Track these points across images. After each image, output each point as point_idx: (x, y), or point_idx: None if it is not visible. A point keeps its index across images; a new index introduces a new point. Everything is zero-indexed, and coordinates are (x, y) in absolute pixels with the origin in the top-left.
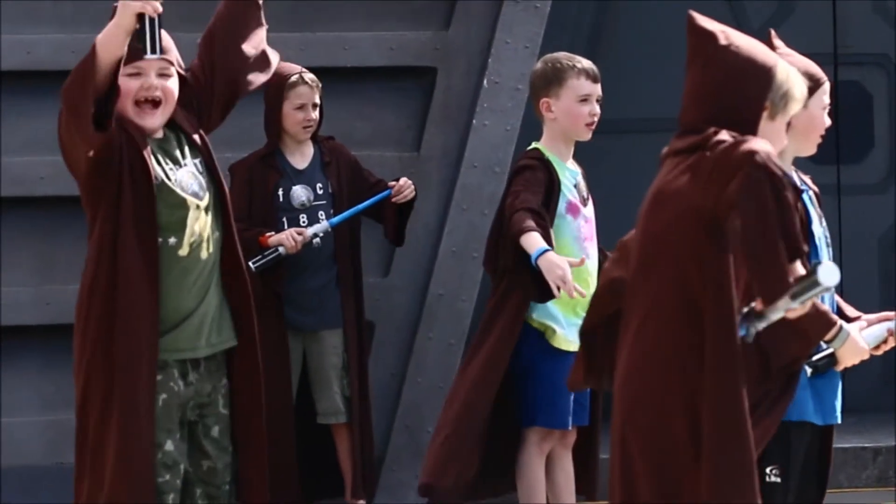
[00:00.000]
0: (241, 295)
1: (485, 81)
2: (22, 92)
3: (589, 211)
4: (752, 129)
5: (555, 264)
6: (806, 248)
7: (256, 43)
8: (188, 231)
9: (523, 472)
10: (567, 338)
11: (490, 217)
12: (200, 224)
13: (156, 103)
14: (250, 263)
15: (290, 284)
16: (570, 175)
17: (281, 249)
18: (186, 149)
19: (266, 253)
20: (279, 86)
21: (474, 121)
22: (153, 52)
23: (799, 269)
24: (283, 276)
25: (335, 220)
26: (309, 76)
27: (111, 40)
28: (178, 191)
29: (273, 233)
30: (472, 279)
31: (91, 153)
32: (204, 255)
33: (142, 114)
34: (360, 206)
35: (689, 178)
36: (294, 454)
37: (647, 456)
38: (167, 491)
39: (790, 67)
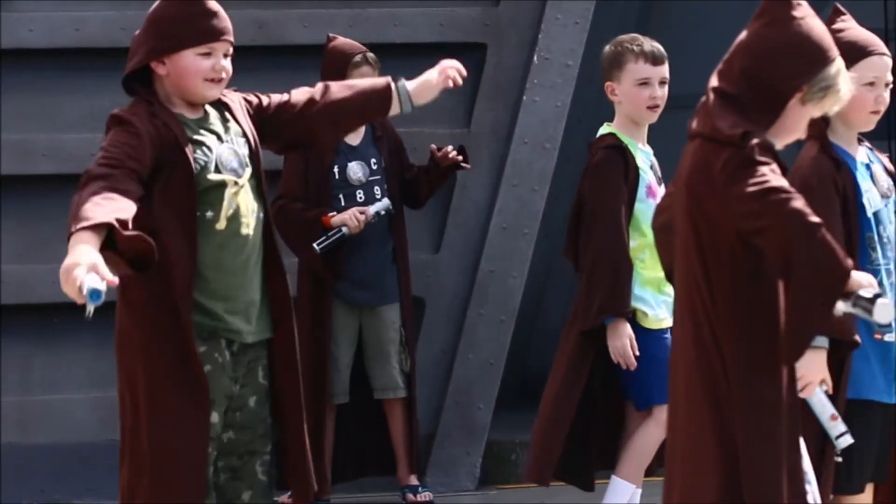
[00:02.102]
0: (281, 283)
1: (535, 57)
2: (73, 69)
3: (664, 191)
4: (780, 103)
5: (618, 335)
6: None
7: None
8: (225, 204)
9: (640, 446)
10: (658, 317)
11: (540, 193)
12: (239, 199)
13: (221, 80)
14: (314, 245)
15: (348, 260)
16: (645, 157)
17: (344, 229)
18: (231, 125)
19: (330, 234)
20: (342, 64)
21: (524, 97)
22: None
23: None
24: (345, 256)
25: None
26: (371, 56)
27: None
28: (213, 174)
29: (335, 213)
30: (523, 255)
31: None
32: (244, 230)
33: (210, 86)
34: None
35: (725, 190)
36: (324, 438)
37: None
38: (208, 464)
39: (845, 71)
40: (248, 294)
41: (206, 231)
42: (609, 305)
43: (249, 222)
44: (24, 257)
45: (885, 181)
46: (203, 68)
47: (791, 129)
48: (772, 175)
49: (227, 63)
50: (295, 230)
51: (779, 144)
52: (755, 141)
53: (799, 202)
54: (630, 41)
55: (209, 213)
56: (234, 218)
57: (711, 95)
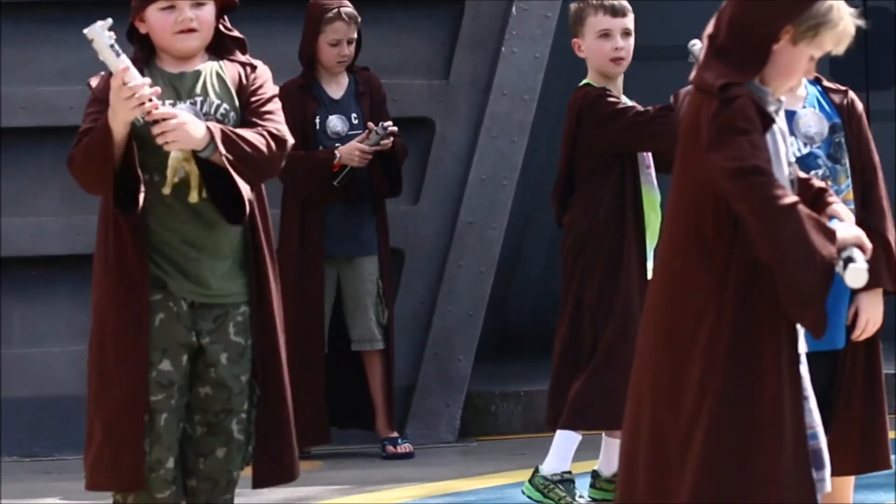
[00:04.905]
0: (259, 252)
1: (513, 8)
2: (51, 21)
3: None
4: (764, 50)
5: None
6: None
7: None
8: (169, 171)
9: None
10: None
11: (519, 145)
12: (189, 167)
13: (193, 31)
14: (334, 183)
15: (328, 212)
16: None
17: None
18: (214, 89)
19: (341, 177)
20: (317, 19)
21: (503, 48)
22: None
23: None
24: (358, 189)
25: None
26: (346, 11)
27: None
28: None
29: (338, 155)
30: (502, 207)
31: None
32: (194, 198)
33: (182, 37)
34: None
35: (707, 152)
36: (324, 388)
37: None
38: (158, 410)
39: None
40: (204, 260)
41: (155, 194)
42: None
43: (202, 191)
44: (2, 210)
45: (814, 126)
46: (167, 23)
47: (786, 72)
48: (749, 149)
49: (196, 12)
50: (307, 174)
51: (777, 91)
52: (739, 98)
53: (770, 188)
54: None
55: (156, 178)
56: (183, 185)
57: (705, 43)
